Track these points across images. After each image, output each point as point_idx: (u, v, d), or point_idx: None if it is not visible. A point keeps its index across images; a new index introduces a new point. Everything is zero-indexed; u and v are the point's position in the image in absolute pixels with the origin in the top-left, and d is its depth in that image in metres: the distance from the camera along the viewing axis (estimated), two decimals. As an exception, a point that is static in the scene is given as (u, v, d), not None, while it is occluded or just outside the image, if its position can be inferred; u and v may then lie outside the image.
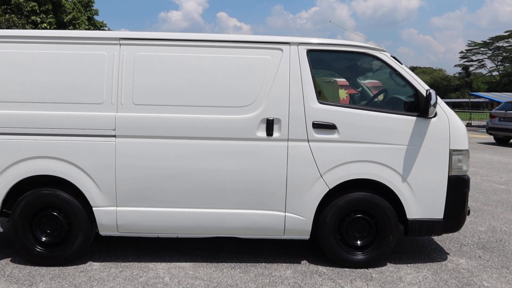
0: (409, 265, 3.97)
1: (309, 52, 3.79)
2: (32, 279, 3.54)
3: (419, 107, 3.74)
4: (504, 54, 58.75)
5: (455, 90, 71.92)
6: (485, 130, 17.27)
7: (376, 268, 3.85)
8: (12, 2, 23.20)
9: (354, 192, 3.79)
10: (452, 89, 72.50)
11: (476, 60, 62.59)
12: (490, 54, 60.35)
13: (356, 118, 3.72)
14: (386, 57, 3.87)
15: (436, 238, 4.69)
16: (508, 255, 4.25)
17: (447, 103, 4.61)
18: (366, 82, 5.53)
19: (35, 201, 3.72)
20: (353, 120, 3.71)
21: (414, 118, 3.74)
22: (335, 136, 3.70)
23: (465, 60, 63.58)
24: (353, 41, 3.90)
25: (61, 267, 3.77)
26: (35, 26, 23.33)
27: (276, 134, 3.69)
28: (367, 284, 3.54)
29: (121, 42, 3.74)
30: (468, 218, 4.89)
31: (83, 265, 3.84)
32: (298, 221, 3.75)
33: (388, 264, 3.96)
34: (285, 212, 3.75)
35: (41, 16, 23.94)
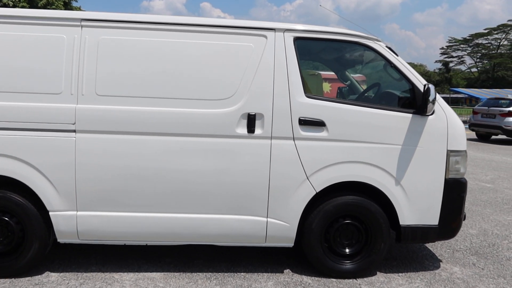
0: (400, 274, 3.67)
1: (296, 40, 3.40)
2: (-24, 294, 3.10)
3: (416, 103, 3.42)
4: (483, 51, 59.70)
5: (435, 86, 72.22)
6: (467, 126, 17.28)
7: (365, 278, 3.54)
8: (-17, -15, 22.01)
9: (343, 196, 3.45)
10: (433, 84, 73.35)
11: (456, 57, 63.39)
12: (469, 51, 61.16)
13: (346, 114, 3.36)
14: (380, 47, 3.51)
15: (427, 243, 4.40)
16: (503, 262, 4.00)
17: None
18: (356, 76, 5.19)
19: (-18, 204, 3.25)
20: (343, 116, 3.35)
21: (410, 115, 3.41)
22: (323, 134, 3.34)
23: (446, 56, 64.22)
24: (346, 29, 3.53)
25: (12, 278, 3.32)
26: None
27: (258, 131, 3.30)
28: (356, 298, 3.22)
29: (83, 23, 3.27)
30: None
31: (39, 276, 3.40)
32: (281, 227, 3.40)
33: (378, 273, 3.65)
34: (267, 217, 3.38)
35: (13, -1, 22.81)
